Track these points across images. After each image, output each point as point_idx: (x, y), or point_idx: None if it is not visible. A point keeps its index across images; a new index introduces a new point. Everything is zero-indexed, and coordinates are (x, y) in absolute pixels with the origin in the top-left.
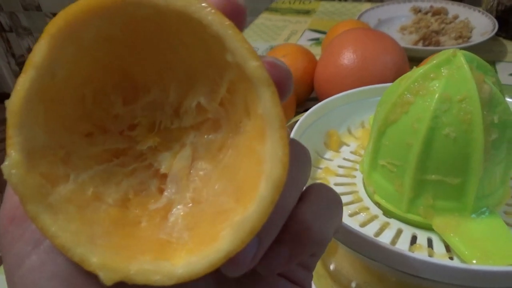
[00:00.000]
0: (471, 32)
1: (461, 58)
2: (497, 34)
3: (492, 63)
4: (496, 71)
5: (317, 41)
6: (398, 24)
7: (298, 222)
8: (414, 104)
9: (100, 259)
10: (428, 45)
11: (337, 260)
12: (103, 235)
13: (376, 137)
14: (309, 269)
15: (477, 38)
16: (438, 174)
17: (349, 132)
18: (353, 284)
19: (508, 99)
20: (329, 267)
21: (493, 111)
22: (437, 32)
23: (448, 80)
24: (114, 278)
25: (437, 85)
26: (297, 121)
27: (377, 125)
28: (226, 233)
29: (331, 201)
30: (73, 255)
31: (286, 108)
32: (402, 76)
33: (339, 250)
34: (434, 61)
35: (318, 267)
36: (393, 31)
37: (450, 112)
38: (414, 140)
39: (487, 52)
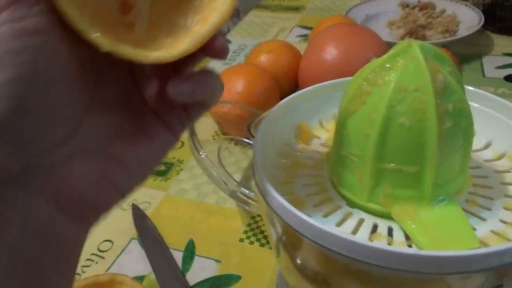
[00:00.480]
0: (457, 26)
1: (416, 48)
2: (484, 27)
3: (479, 56)
4: (482, 65)
5: (305, 37)
6: (386, 19)
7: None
8: (372, 94)
9: (99, 32)
10: None
11: (303, 254)
12: (106, 20)
13: (338, 128)
14: (190, 116)
15: (463, 32)
16: (395, 163)
17: (321, 125)
18: (319, 277)
19: (469, 88)
20: (296, 261)
21: (448, 100)
22: (423, 27)
23: (403, 70)
24: (108, 45)
25: (393, 75)
26: None
27: (339, 116)
28: (185, 40)
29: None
30: (79, 27)
31: (271, 103)
32: (363, 67)
33: (304, 244)
34: (391, 52)
35: (287, 262)
36: (381, 26)
37: (405, 101)
38: (371, 130)
39: (473, 46)
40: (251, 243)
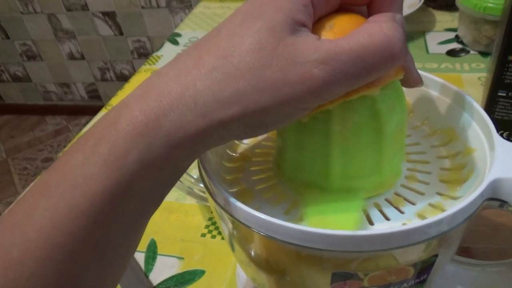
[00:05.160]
0: None
1: None
2: (427, 4)
3: (422, 33)
4: (426, 42)
5: None
6: None
7: None
8: None
9: None
10: None
11: (255, 246)
12: None
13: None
14: None
15: (406, 10)
16: (309, 159)
17: None
18: (274, 266)
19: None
20: (250, 253)
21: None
22: None
23: None
24: None
25: None
26: None
27: None
28: None
29: None
30: None
31: None
32: None
33: (254, 236)
34: None
35: (242, 256)
36: None
37: None
38: (289, 134)
39: (416, 23)
40: (213, 237)
